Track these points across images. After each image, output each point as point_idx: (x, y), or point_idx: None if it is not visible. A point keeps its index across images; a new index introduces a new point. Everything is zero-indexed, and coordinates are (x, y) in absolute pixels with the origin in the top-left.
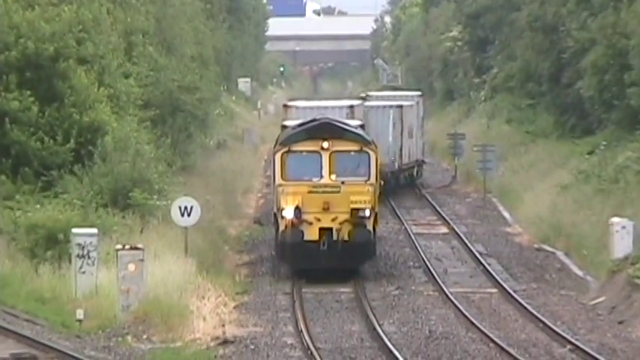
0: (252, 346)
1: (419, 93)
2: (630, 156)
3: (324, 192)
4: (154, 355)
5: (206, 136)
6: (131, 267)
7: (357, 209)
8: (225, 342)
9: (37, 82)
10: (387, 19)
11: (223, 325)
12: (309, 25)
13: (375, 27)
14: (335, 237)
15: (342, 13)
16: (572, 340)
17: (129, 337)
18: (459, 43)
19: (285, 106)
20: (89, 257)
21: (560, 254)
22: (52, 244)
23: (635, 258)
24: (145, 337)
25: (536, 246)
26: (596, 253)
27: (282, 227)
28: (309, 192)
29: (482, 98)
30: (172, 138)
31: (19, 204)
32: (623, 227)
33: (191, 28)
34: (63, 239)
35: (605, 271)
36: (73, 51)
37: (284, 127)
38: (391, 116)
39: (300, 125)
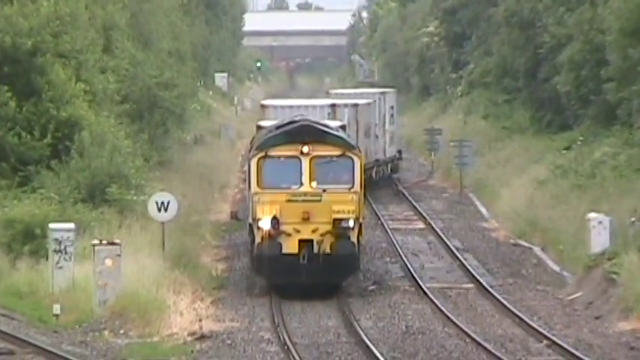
0: (228, 341)
1: (382, 90)
2: (607, 151)
3: (303, 201)
4: (131, 350)
5: (183, 131)
6: (108, 262)
7: (340, 219)
8: (202, 337)
9: (15, 76)
10: (364, 14)
11: (200, 320)
12: (286, 20)
13: (352, 22)
14: (316, 250)
15: (318, 9)
16: (549, 336)
17: (106, 332)
18: (436, 39)
19: (263, 106)
20: (66, 252)
21: (536, 249)
22: (29, 239)
23: (612, 253)
24: (122, 331)
25: (512, 241)
26: (573, 249)
27: (258, 239)
28: (288, 201)
29: (459, 94)
30: (149, 133)
31: None
32: (600, 222)
33: (168, 22)
34: (40, 234)
35: (581, 267)
36: (50, 46)
37: (259, 127)
38: (346, 115)
39: (277, 127)
